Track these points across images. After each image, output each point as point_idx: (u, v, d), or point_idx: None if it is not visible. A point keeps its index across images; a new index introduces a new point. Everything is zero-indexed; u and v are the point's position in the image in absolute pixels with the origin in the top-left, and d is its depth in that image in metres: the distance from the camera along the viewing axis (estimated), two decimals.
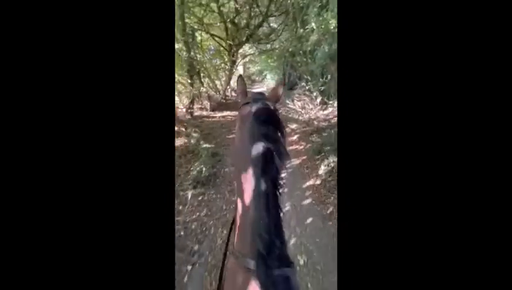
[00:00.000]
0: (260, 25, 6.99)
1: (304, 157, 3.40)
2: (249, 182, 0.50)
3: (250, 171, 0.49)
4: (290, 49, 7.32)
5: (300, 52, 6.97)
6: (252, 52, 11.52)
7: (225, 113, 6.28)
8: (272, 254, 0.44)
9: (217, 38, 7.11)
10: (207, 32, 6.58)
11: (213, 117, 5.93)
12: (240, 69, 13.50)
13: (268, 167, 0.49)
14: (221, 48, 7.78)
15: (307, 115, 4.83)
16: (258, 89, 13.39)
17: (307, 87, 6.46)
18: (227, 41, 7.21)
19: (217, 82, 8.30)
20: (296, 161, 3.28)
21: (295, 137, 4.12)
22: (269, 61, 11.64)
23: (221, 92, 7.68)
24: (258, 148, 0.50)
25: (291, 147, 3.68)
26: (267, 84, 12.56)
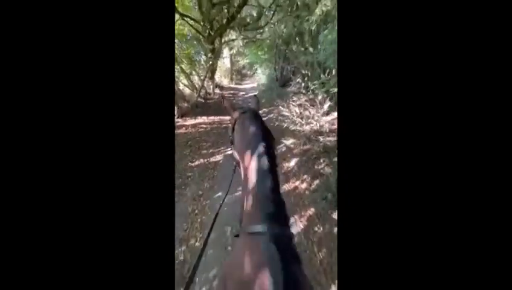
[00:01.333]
0: (244, 3, 5.32)
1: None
2: (252, 160, 0.61)
3: (252, 153, 0.62)
4: (284, 33, 5.75)
5: (297, 38, 5.48)
6: (239, 41, 9.88)
7: (198, 120, 4.70)
8: (278, 213, 0.53)
9: (191, 22, 5.46)
10: (180, 15, 4.89)
11: (179, 127, 4.27)
12: (226, 62, 11.74)
13: (265, 147, 0.62)
14: (200, 36, 6.11)
15: (308, 126, 3.44)
16: (248, 84, 11.83)
17: (306, 85, 5.04)
18: (204, 25, 5.56)
19: (195, 77, 6.64)
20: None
21: (292, 163, 2.79)
22: (259, 53, 9.99)
23: (198, 90, 6.00)
24: (257, 137, 0.65)
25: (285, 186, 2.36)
26: (258, 79, 10.97)
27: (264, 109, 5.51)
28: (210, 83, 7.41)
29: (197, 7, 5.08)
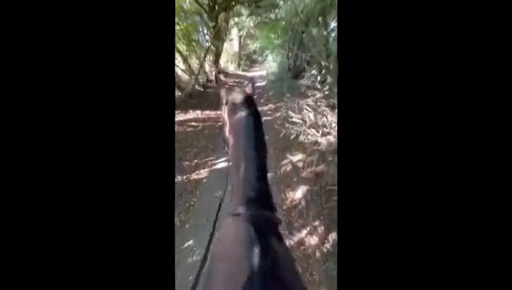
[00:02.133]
0: None
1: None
2: (241, 146, 0.62)
3: (241, 138, 0.63)
4: (303, 9, 4.66)
5: (320, 18, 4.37)
6: (248, 21, 8.55)
7: (189, 115, 3.82)
8: (259, 198, 0.55)
9: None
10: None
11: None
12: (235, 45, 10.50)
13: (255, 134, 0.63)
14: (202, 10, 5.05)
15: (324, 138, 2.56)
16: (257, 71, 10.65)
17: (323, 79, 4.08)
18: None
19: (195, 60, 5.70)
20: None
21: (299, 194, 1.96)
22: (272, 36, 8.71)
23: (195, 76, 5.08)
24: (248, 124, 0.65)
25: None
26: (268, 67, 9.78)
27: (270, 105, 4.60)
28: (213, 68, 6.46)
29: None
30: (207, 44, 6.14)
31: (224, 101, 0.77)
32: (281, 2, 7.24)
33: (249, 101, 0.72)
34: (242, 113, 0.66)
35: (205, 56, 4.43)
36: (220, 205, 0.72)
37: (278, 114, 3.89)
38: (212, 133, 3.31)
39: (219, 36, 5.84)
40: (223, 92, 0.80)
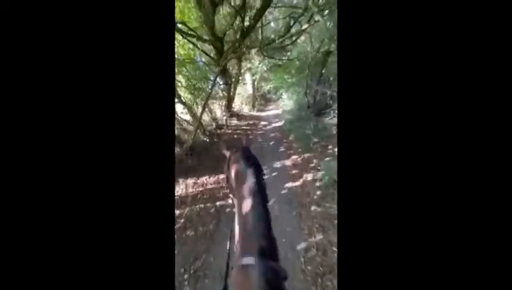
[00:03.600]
0: (259, 18, 3.60)
1: None
2: (244, 197, 0.62)
3: (243, 189, 0.63)
4: (318, 52, 3.86)
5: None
6: (262, 66, 8.44)
7: (178, 186, 2.61)
8: (266, 249, 0.52)
9: (199, 43, 4.10)
10: (184, 34, 3.47)
11: None
12: (249, 88, 10.44)
13: (256, 184, 0.63)
14: (211, 58, 4.70)
15: None
16: (271, 111, 10.11)
17: None
18: (215, 46, 4.10)
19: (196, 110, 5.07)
20: None
21: None
22: (285, 77, 8.35)
23: (194, 129, 4.22)
24: (251, 173, 0.66)
25: None
26: (283, 105, 9.14)
27: (295, 157, 3.30)
28: (225, 113, 5.81)
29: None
30: (219, 91, 5.69)
31: (226, 156, 0.83)
32: (290, 46, 6.99)
33: (247, 154, 0.75)
34: (240, 168, 0.69)
35: (206, 102, 3.62)
36: (228, 258, 0.67)
37: (309, 176, 2.59)
38: (206, 221, 2.08)
39: (230, 82, 5.34)
40: (223, 149, 0.87)
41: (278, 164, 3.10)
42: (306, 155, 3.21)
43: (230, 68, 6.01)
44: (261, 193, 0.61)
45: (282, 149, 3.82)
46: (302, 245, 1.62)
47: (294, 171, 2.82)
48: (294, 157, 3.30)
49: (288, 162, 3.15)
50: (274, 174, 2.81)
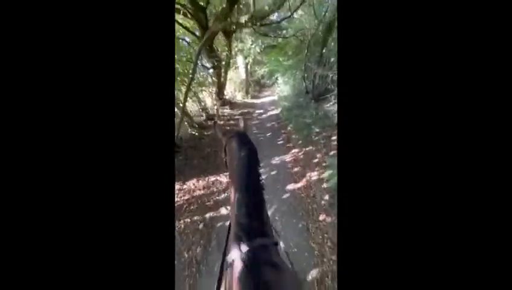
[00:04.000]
0: None
1: None
2: (239, 182, 0.61)
3: (238, 176, 0.62)
4: (318, 29, 3.30)
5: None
6: (255, 46, 7.58)
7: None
8: (251, 232, 0.51)
9: (185, 20, 3.37)
10: None
11: None
12: (241, 73, 9.62)
13: (252, 168, 0.62)
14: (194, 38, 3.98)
15: None
16: (267, 97, 9.45)
17: None
18: (197, 19, 3.39)
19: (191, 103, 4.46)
20: None
21: None
22: (281, 59, 7.60)
23: (180, 120, 3.67)
24: (243, 160, 0.64)
25: None
26: (279, 91, 8.52)
27: (295, 150, 2.90)
28: (216, 102, 5.22)
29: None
30: (208, 77, 5.03)
31: (223, 142, 0.81)
32: (286, 23, 6.20)
33: (243, 139, 0.73)
34: (236, 154, 0.67)
35: (188, 86, 2.99)
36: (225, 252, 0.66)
37: (314, 175, 2.18)
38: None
39: (219, 65, 4.67)
40: (219, 134, 0.86)
41: (276, 160, 2.70)
42: (308, 149, 2.82)
43: (219, 49, 5.26)
44: (251, 180, 0.60)
45: (280, 141, 3.40)
46: (313, 273, 1.27)
47: (295, 169, 2.43)
48: (294, 151, 2.90)
49: (288, 158, 2.74)
50: (273, 173, 2.43)
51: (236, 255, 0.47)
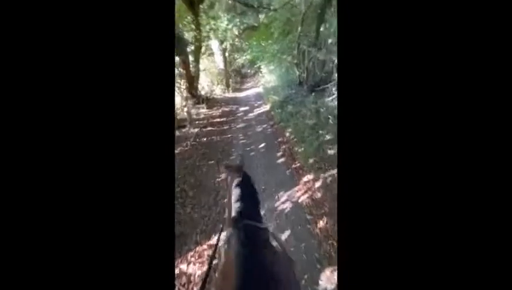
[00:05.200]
0: None
1: None
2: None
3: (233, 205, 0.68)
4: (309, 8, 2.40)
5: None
6: (232, 27, 6.06)
7: None
8: (243, 215, 0.60)
9: None
10: None
11: None
12: (219, 62, 8.08)
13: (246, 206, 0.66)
14: None
15: None
16: (250, 89, 8.14)
17: None
18: None
19: None
20: None
21: None
22: (263, 44, 6.30)
23: None
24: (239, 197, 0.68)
25: None
26: (264, 81, 7.29)
27: (308, 177, 1.83)
28: (185, 102, 3.87)
29: None
30: None
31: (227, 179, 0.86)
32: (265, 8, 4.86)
33: (245, 181, 0.76)
34: (235, 190, 0.71)
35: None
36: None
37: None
38: None
39: (183, 50, 3.30)
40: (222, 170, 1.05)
41: (282, 203, 1.67)
42: (329, 173, 1.83)
43: (183, 28, 3.81)
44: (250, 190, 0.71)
45: (280, 159, 2.32)
46: None
47: (320, 224, 1.44)
48: (308, 179, 1.88)
49: (300, 195, 1.71)
50: (286, 234, 1.41)
51: (231, 232, 0.54)
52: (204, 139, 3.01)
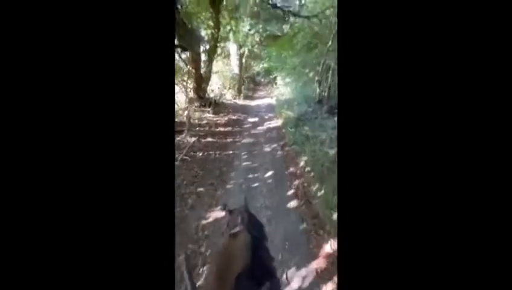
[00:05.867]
0: None
1: None
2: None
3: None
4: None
5: None
6: (254, 33, 5.67)
7: None
8: (251, 222, 0.72)
9: None
10: None
11: None
12: (233, 66, 7.72)
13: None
14: None
15: None
16: (263, 99, 7.67)
17: None
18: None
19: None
20: None
21: None
22: (284, 54, 5.90)
23: None
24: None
25: None
26: (278, 93, 6.83)
27: None
28: (188, 105, 3.38)
29: None
30: (179, 61, 3.19)
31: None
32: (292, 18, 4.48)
33: (252, 223, 0.77)
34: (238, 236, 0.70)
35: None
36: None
37: None
38: None
39: (195, 46, 2.86)
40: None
41: (294, 279, 1.10)
42: None
43: (200, 24, 3.40)
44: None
45: (292, 202, 1.72)
46: None
47: None
48: (330, 248, 1.27)
49: (320, 272, 1.11)
50: None
51: (242, 229, 0.64)
52: (200, 154, 2.46)
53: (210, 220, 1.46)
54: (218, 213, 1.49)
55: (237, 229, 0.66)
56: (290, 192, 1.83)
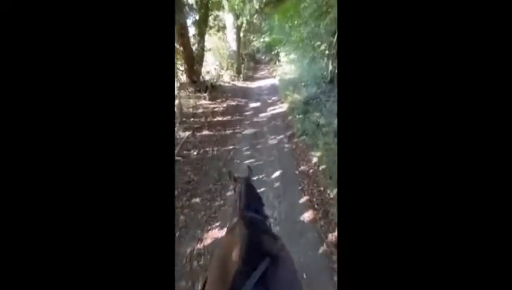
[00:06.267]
0: None
1: None
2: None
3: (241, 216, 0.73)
4: None
5: None
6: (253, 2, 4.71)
7: None
8: (254, 207, 0.75)
9: None
10: None
11: None
12: (230, 41, 6.80)
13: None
14: None
15: None
16: (265, 80, 6.89)
17: None
18: None
19: None
20: None
21: None
22: (288, 25, 5.00)
23: None
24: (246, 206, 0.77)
25: None
26: (281, 72, 6.07)
27: None
28: (179, 85, 2.91)
29: None
30: None
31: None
32: None
33: (249, 183, 0.94)
34: (242, 199, 0.81)
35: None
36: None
37: None
38: None
39: (180, 16, 2.28)
40: (231, 179, 0.99)
41: None
42: None
43: None
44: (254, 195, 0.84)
45: (306, 214, 1.42)
46: None
47: None
48: None
49: None
50: None
51: (236, 221, 0.67)
52: (195, 153, 2.11)
53: (207, 242, 1.19)
54: (216, 233, 1.21)
55: (234, 220, 0.70)
56: (303, 199, 1.52)
